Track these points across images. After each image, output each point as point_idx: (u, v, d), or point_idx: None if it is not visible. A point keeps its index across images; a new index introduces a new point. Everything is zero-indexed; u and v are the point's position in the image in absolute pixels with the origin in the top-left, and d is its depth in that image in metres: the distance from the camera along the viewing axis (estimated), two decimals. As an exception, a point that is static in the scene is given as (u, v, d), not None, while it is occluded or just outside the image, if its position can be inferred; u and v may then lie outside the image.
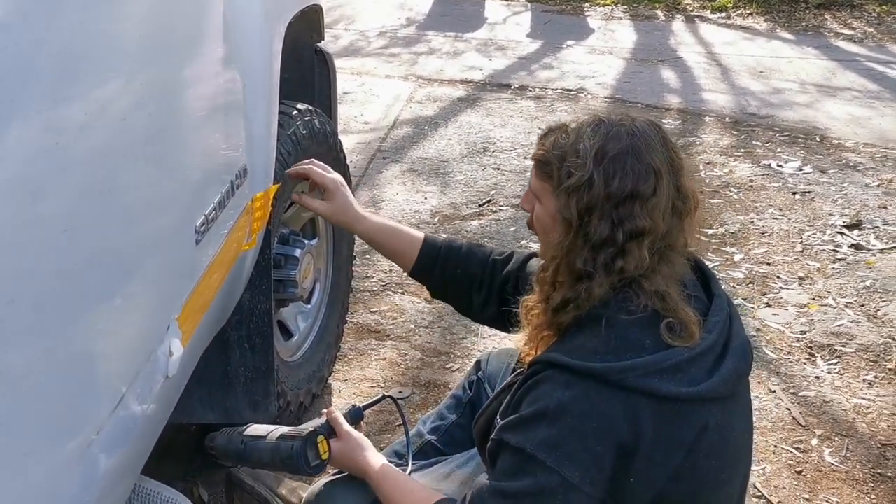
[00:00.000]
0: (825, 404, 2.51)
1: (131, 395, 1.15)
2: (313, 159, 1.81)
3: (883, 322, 2.93)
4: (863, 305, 3.04)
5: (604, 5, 8.39)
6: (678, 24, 7.87)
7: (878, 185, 4.14)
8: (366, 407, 1.67)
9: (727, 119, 5.19)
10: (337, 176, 1.75)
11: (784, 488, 2.19)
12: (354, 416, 1.61)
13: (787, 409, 2.49)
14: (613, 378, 1.18)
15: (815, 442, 2.36)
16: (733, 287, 3.15)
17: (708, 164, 4.41)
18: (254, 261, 1.78)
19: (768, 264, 3.35)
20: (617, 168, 1.24)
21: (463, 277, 1.67)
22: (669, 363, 1.20)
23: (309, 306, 2.34)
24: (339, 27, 7.37)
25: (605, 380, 1.18)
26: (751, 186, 4.12)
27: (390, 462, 1.49)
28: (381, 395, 1.73)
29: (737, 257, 3.41)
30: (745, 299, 3.07)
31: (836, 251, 3.45)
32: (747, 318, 2.94)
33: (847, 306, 3.03)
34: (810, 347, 2.79)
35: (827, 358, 2.74)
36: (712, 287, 1.35)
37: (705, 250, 3.39)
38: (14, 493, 0.91)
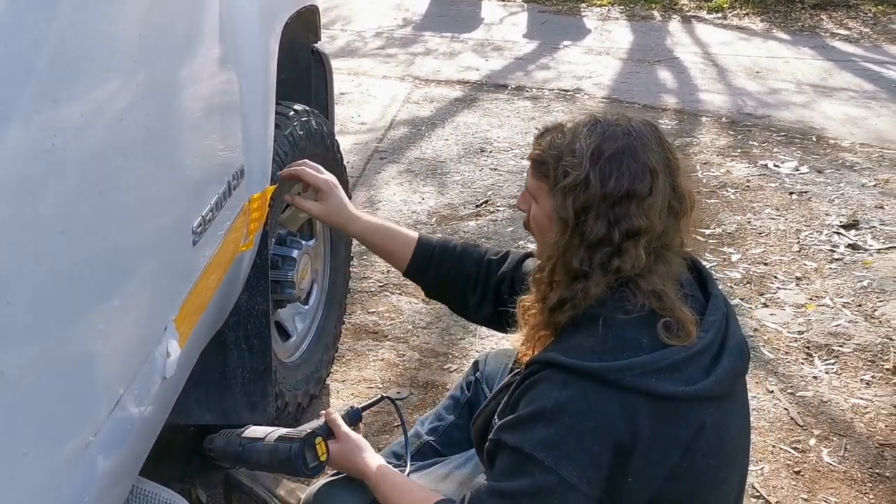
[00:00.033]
0: (823, 404, 2.52)
1: (129, 397, 1.15)
2: (305, 160, 1.81)
3: (880, 322, 2.93)
4: (860, 305, 3.04)
5: (600, 6, 8.39)
6: (674, 25, 7.87)
7: (875, 185, 4.15)
8: (364, 408, 1.66)
9: (724, 119, 5.19)
10: (329, 176, 1.74)
11: (782, 488, 2.19)
12: (353, 417, 1.61)
13: (785, 409, 2.49)
14: (611, 377, 1.18)
15: (813, 442, 2.36)
16: (731, 287, 3.16)
17: (705, 164, 4.42)
18: (251, 262, 1.78)
19: (765, 264, 3.36)
20: (613, 168, 1.24)
21: (458, 277, 1.67)
22: (667, 362, 1.20)
23: (306, 307, 2.34)
24: (336, 28, 7.37)
25: (603, 379, 1.19)
26: (748, 187, 4.12)
27: (389, 463, 1.49)
28: (379, 397, 1.73)
29: (734, 257, 3.41)
30: (742, 299, 3.08)
31: (833, 251, 3.46)
32: (745, 318, 2.94)
33: (844, 306, 3.04)
34: (808, 347, 2.80)
35: (824, 358, 2.74)
36: (709, 286, 1.35)
37: (702, 250, 3.39)
38: (12, 495, 0.91)
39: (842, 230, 3.64)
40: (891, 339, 2.83)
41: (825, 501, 2.15)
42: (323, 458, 1.49)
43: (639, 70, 6.32)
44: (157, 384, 1.26)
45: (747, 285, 3.19)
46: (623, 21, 7.98)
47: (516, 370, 1.41)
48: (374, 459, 1.47)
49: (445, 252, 1.68)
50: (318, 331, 2.38)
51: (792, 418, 2.45)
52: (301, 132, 2.02)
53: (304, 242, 2.16)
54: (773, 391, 2.57)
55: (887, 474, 2.24)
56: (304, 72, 2.41)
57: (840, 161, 4.48)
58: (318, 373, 2.35)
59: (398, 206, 3.85)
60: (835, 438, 2.37)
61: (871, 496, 2.16)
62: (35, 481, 0.96)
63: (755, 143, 4.74)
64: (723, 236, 3.59)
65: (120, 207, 1.12)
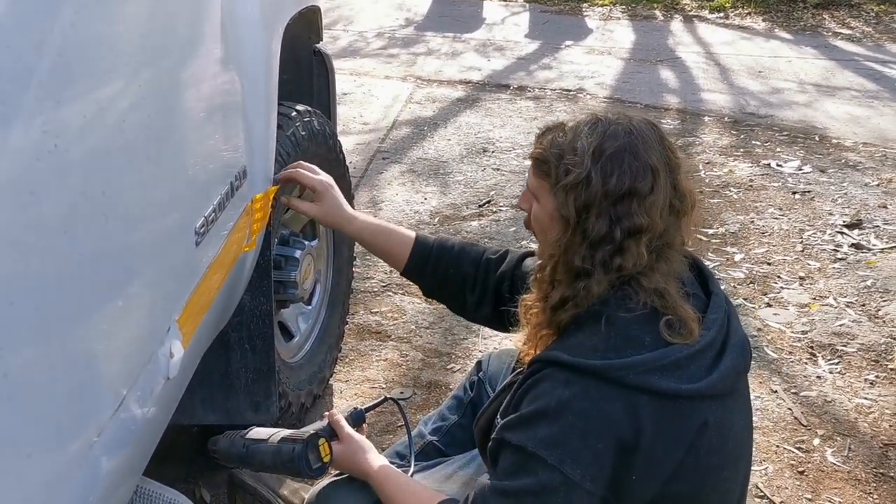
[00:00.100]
0: (827, 404, 2.51)
1: (132, 397, 1.15)
2: (300, 161, 1.81)
3: (884, 322, 2.93)
4: (864, 305, 3.04)
5: (602, 5, 8.39)
6: (676, 24, 7.87)
7: (878, 185, 4.14)
8: (367, 409, 1.66)
9: (726, 119, 5.19)
10: (325, 177, 1.74)
11: (786, 488, 2.19)
12: (356, 418, 1.61)
13: (789, 408, 2.49)
14: (613, 375, 1.18)
15: (816, 442, 2.35)
16: (734, 287, 3.16)
17: (707, 164, 4.41)
18: (254, 262, 1.78)
19: (769, 264, 3.35)
20: (614, 166, 1.24)
21: (456, 277, 1.67)
22: (669, 360, 1.20)
23: (309, 307, 2.34)
24: (338, 28, 7.37)
25: (606, 377, 1.19)
26: (750, 186, 4.12)
27: (392, 463, 1.49)
28: (382, 397, 1.73)
29: (737, 257, 3.41)
30: (745, 299, 3.07)
31: (837, 251, 3.45)
32: (748, 318, 2.94)
33: (848, 306, 3.03)
34: (811, 347, 2.79)
35: (828, 358, 2.74)
36: (710, 285, 1.35)
37: (705, 250, 3.39)
38: (16, 495, 0.91)
39: (845, 230, 3.63)
40: (895, 338, 2.82)
41: (829, 501, 2.14)
42: (326, 459, 1.49)
43: (641, 70, 6.32)
44: (160, 384, 1.26)
45: (751, 285, 3.19)
46: (625, 21, 7.97)
47: (519, 369, 1.41)
48: (377, 460, 1.47)
49: (443, 251, 1.68)
50: (322, 331, 2.38)
51: (796, 418, 2.44)
52: (303, 132, 2.02)
53: (306, 243, 2.16)
54: (776, 391, 2.56)
55: (891, 474, 2.23)
56: (306, 72, 2.42)
57: (843, 160, 4.47)
58: (321, 373, 2.35)
59: (401, 206, 3.85)
60: (839, 438, 2.37)
61: (875, 496, 2.16)
62: (39, 482, 0.96)
63: (758, 143, 4.74)
64: (726, 236, 3.59)
65: (122, 208, 1.12)
